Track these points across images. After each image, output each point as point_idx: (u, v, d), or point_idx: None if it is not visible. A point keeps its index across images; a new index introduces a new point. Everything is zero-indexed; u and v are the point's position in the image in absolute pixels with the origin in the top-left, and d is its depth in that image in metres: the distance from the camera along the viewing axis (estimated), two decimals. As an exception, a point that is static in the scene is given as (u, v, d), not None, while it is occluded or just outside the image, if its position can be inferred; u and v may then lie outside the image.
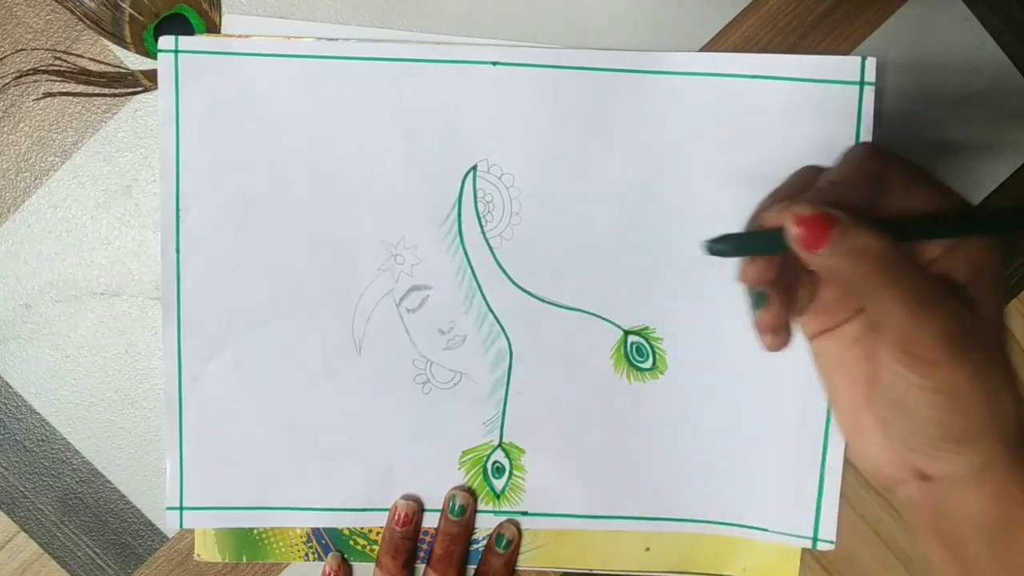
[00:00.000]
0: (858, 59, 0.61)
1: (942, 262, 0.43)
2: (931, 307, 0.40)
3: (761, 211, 0.44)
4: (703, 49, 0.62)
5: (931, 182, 0.44)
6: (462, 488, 0.64)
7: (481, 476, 0.63)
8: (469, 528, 0.64)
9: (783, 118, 0.61)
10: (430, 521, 0.64)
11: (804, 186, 0.44)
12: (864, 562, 0.66)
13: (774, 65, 0.61)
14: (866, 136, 0.61)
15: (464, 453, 0.63)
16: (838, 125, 0.61)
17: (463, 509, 0.63)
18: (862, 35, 0.63)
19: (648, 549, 0.64)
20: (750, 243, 0.43)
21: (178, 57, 0.60)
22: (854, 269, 0.40)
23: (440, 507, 0.63)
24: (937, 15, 0.63)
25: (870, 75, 0.61)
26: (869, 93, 0.61)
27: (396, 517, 0.63)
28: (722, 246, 0.43)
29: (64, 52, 0.61)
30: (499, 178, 0.61)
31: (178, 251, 0.61)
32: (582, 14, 0.62)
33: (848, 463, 0.63)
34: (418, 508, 0.63)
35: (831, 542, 0.63)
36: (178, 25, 0.61)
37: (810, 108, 0.61)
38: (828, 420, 0.63)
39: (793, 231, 0.40)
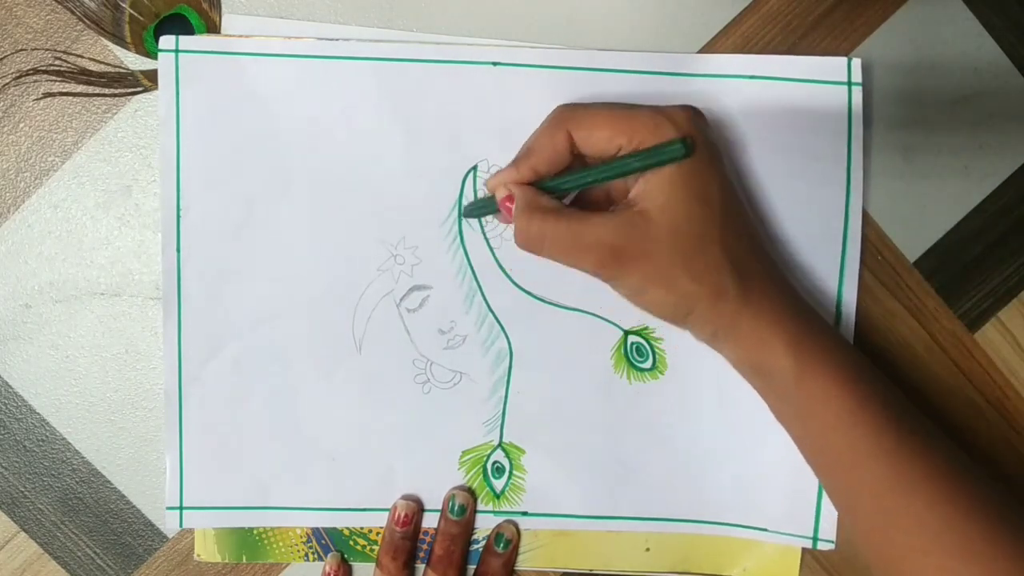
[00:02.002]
0: (844, 60, 0.62)
1: (635, 188, 0.54)
2: (589, 239, 0.53)
3: (494, 175, 0.57)
4: (703, 49, 0.62)
5: (609, 127, 0.53)
6: (462, 488, 0.64)
7: (481, 476, 0.63)
8: (469, 528, 0.64)
9: (778, 118, 0.62)
10: (430, 521, 0.64)
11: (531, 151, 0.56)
12: (864, 562, 0.66)
13: (768, 66, 0.62)
14: (857, 135, 0.62)
15: (464, 453, 0.63)
16: (829, 124, 0.62)
17: (463, 509, 0.63)
18: (862, 35, 0.63)
19: (648, 549, 0.64)
20: (487, 205, 0.58)
21: (178, 57, 0.60)
22: (530, 237, 0.54)
23: (440, 507, 0.63)
24: (937, 15, 0.63)
25: (856, 76, 0.62)
26: (857, 93, 0.62)
27: (396, 517, 0.63)
28: (470, 209, 0.60)
29: (64, 52, 0.61)
30: (499, 178, 0.61)
31: (178, 251, 0.61)
32: (582, 14, 0.62)
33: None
34: (418, 508, 0.63)
35: (831, 542, 0.63)
36: (178, 25, 0.61)
37: (803, 108, 0.62)
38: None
39: (499, 201, 0.56)
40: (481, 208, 0.59)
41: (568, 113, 0.55)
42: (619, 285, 0.55)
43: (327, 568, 0.64)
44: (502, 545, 0.63)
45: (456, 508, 0.63)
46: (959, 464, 0.53)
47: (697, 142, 0.52)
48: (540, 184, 0.55)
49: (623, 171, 0.53)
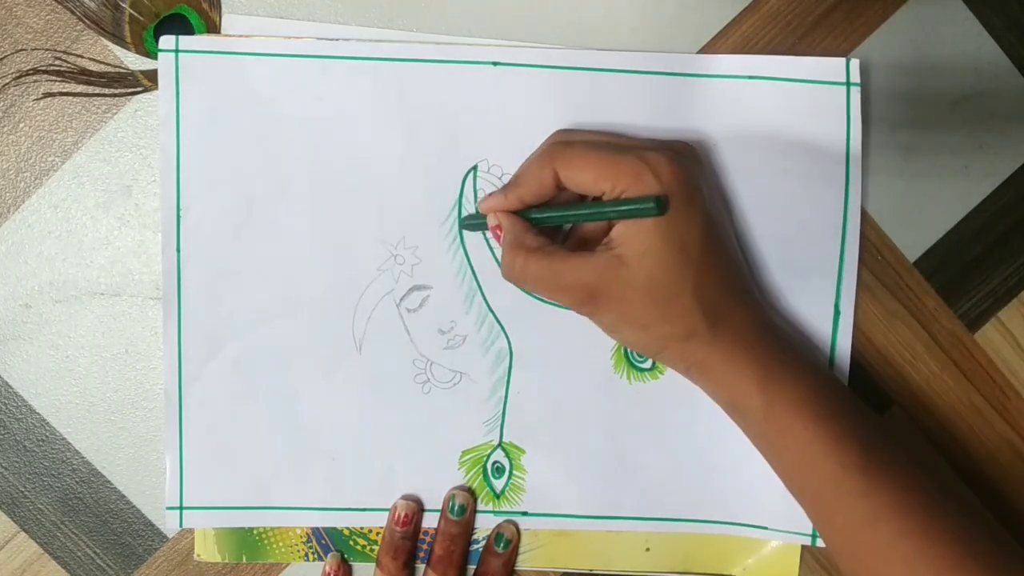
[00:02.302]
0: (843, 61, 0.62)
1: (615, 229, 0.55)
2: (568, 279, 0.55)
3: (485, 198, 0.60)
4: (703, 49, 0.62)
5: (594, 170, 0.55)
6: (462, 488, 0.64)
7: (481, 476, 0.63)
8: (469, 528, 0.64)
9: (778, 118, 0.62)
10: (430, 521, 0.64)
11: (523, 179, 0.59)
12: None
13: (767, 66, 0.62)
14: (855, 135, 0.62)
15: (464, 453, 0.63)
16: (828, 124, 0.62)
17: (463, 509, 0.63)
18: (862, 35, 0.63)
19: (648, 549, 0.64)
20: (483, 223, 0.59)
21: (178, 57, 0.60)
22: (514, 272, 0.57)
23: (440, 507, 0.63)
24: (937, 15, 0.63)
25: (855, 76, 0.62)
26: (855, 93, 0.62)
27: (396, 517, 0.63)
28: (467, 222, 0.61)
29: (64, 52, 0.61)
30: (499, 178, 0.61)
31: (179, 251, 0.61)
32: (582, 14, 0.62)
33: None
34: (418, 508, 0.63)
35: (831, 540, 0.63)
36: (178, 25, 0.61)
37: (802, 108, 0.62)
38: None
39: (490, 227, 0.59)
40: (478, 224, 0.61)
41: (558, 150, 0.57)
42: (595, 321, 0.58)
43: (327, 568, 0.64)
44: (502, 545, 0.63)
45: (456, 508, 0.63)
46: (932, 494, 0.54)
47: (676, 192, 0.54)
48: (526, 213, 0.58)
49: (601, 217, 0.55)
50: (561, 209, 0.57)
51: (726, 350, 0.55)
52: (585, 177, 0.55)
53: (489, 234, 0.61)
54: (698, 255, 0.55)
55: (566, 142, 0.58)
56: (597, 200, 0.56)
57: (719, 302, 0.56)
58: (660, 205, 0.52)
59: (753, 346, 0.56)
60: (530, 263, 0.56)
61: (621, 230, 0.54)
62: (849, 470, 0.53)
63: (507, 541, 0.63)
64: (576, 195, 0.59)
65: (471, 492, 0.64)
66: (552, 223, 0.58)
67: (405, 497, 0.63)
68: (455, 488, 0.63)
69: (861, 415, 0.56)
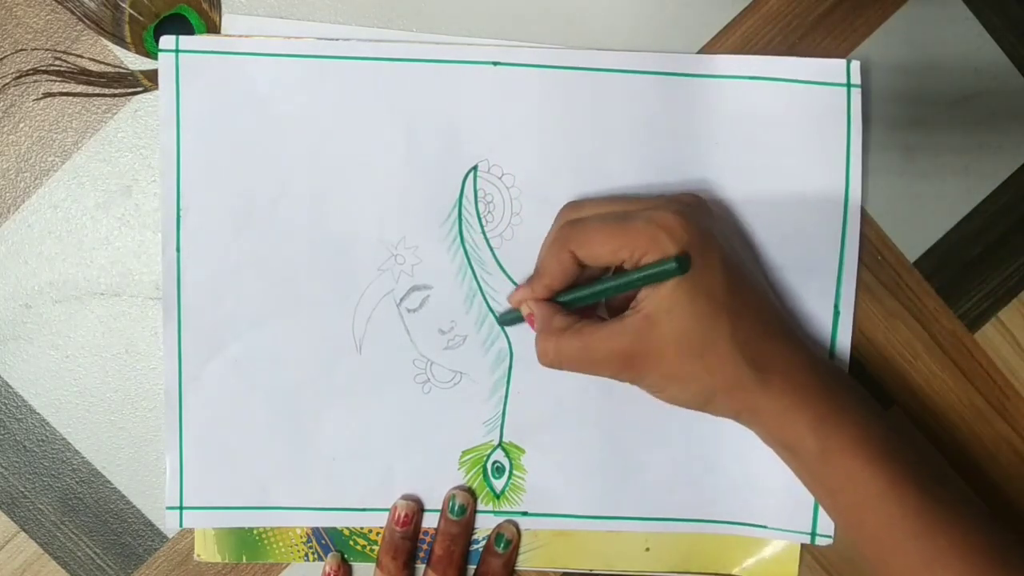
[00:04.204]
0: (843, 62, 0.62)
1: (641, 291, 0.55)
2: (602, 350, 0.55)
3: (514, 292, 0.61)
4: (703, 49, 0.62)
5: (609, 243, 0.55)
6: (462, 488, 0.64)
7: (481, 476, 0.63)
8: (469, 528, 0.64)
9: (778, 118, 0.62)
10: (430, 521, 0.64)
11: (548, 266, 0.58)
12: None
13: (767, 67, 0.62)
14: (856, 136, 0.62)
15: (464, 453, 0.63)
16: (829, 125, 0.62)
17: (463, 509, 0.63)
18: (862, 35, 0.63)
19: (648, 549, 0.64)
20: (515, 316, 0.61)
21: (179, 57, 0.60)
22: (549, 356, 0.57)
23: (440, 507, 0.63)
24: (937, 15, 0.63)
25: (855, 78, 0.62)
26: (856, 95, 0.62)
27: (396, 517, 0.63)
28: (504, 319, 0.62)
29: (64, 52, 0.61)
30: (499, 178, 0.61)
31: (178, 251, 0.61)
32: (582, 14, 0.62)
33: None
34: (418, 508, 0.63)
35: (829, 536, 0.63)
36: (178, 25, 0.61)
37: (802, 109, 0.62)
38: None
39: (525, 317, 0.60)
40: (515, 318, 0.61)
41: (570, 231, 0.57)
42: (640, 386, 0.57)
43: (327, 568, 0.64)
44: (502, 545, 0.63)
45: (456, 508, 0.63)
46: (991, 532, 0.54)
47: (693, 247, 0.53)
48: (557, 298, 0.59)
49: (627, 287, 0.55)
50: (586, 288, 0.57)
51: (776, 395, 0.55)
52: (602, 251, 0.55)
53: (490, 231, 0.61)
54: (726, 301, 0.54)
55: (575, 220, 0.57)
56: (619, 269, 0.56)
57: (760, 346, 0.55)
58: (682, 264, 0.52)
59: (803, 387, 0.55)
60: (562, 344, 0.56)
61: (646, 292, 0.54)
62: (907, 512, 0.53)
63: (507, 541, 0.63)
64: (600, 268, 0.59)
65: (471, 492, 0.64)
66: (582, 303, 0.58)
67: (405, 497, 0.63)
68: (455, 488, 0.63)
69: (915, 452, 0.56)
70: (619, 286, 0.55)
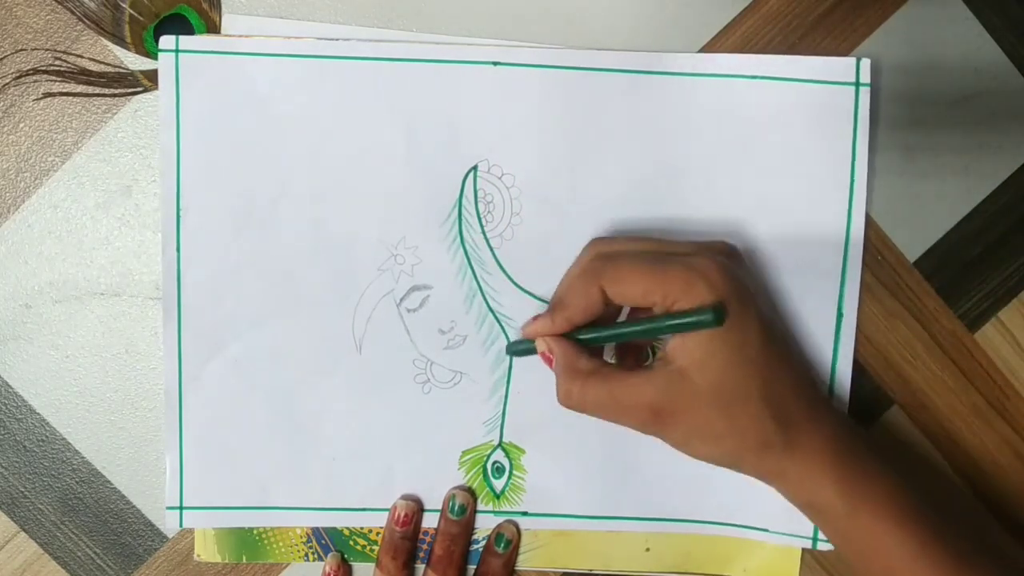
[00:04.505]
0: (853, 60, 0.61)
1: (672, 342, 0.54)
2: (630, 401, 0.54)
3: (527, 323, 0.60)
4: (703, 49, 0.62)
5: (643, 284, 0.53)
6: (462, 488, 0.64)
7: (481, 476, 0.63)
8: (469, 528, 0.64)
9: (782, 118, 0.62)
10: (430, 521, 0.64)
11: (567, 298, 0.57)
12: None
13: (772, 66, 0.62)
14: (863, 135, 0.62)
15: (464, 453, 0.63)
16: (836, 125, 0.62)
17: (463, 509, 0.63)
18: (862, 35, 0.63)
19: (648, 549, 0.64)
20: (529, 348, 0.59)
21: (179, 57, 0.60)
22: (572, 400, 0.56)
23: (440, 507, 0.63)
24: (937, 15, 0.63)
25: (865, 76, 0.62)
26: (865, 94, 0.62)
27: (396, 517, 0.63)
28: (514, 349, 0.62)
29: (64, 52, 0.61)
30: (499, 178, 0.61)
31: (179, 251, 0.61)
32: (582, 14, 0.62)
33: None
34: (418, 508, 0.63)
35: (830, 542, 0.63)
36: (178, 25, 0.61)
37: (808, 108, 0.62)
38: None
39: (539, 352, 0.58)
40: (525, 350, 0.60)
41: (602, 266, 0.55)
42: (664, 439, 0.56)
43: (327, 568, 0.64)
44: (503, 545, 0.63)
45: (456, 508, 0.63)
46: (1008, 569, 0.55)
47: (730, 298, 0.52)
48: (574, 334, 0.57)
49: (657, 332, 0.54)
50: (613, 328, 0.56)
51: (803, 457, 0.54)
52: (634, 292, 0.54)
53: (490, 231, 0.61)
54: (759, 358, 0.53)
55: (608, 255, 0.57)
56: (636, 311, 0.56)
57: (788, 405, 0.54)
58: (718, 315, 0.50)
59: (831, 449, 0.55)
60: (588, 389, 0.55)
61: (678, 342, 0.53)
62: (946, 572, 0.53)
63: (507, 541, 0.63)
64: (618, 307, 0.58)
65: (471, 492, 0.64)
66: (601, 343, 0.58)
67: (405, 497, 0.63)
68: (455, 488, 0.63)
69: (939, 512, 0.55)
70: (648, 331, 0.54)
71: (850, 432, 0.56)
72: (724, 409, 0.53)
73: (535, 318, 0.59)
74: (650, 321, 0.53)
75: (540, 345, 0.58)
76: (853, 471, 0.54)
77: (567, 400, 0.56)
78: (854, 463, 0.55)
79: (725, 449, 0.54)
